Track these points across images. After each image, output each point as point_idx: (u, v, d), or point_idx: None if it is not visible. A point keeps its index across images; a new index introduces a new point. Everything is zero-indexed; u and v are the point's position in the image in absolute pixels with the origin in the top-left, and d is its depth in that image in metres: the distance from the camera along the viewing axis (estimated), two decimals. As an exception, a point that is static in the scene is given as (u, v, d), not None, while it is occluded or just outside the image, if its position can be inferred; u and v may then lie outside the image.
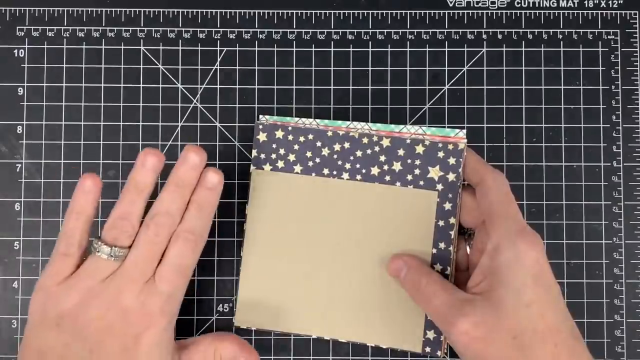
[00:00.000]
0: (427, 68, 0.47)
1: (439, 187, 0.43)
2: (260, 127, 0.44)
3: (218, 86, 0.46)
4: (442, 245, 0.42)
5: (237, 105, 0.46)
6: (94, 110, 0.46)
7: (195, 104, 0.46)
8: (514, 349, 0.34)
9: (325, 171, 0.44)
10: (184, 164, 0.38)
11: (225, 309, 0.45)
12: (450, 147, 0.43)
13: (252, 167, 0.44)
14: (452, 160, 0.42)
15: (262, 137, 0.44)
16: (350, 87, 0.46)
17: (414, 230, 0.43)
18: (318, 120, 0.44)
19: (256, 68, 0.46)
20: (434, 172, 0.43)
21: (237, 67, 0.46)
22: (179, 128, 0.46)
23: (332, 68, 0.46)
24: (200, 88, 0.46)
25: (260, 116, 0.45)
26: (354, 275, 0.43)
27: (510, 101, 0.46)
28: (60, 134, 0.46)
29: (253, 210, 0.44)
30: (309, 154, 0.44)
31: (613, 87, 0.46)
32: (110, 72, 0.46)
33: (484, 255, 0.37)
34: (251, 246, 0.44)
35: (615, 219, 0.46)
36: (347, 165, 0.43)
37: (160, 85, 0.46)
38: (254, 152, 0.44)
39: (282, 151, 0.44)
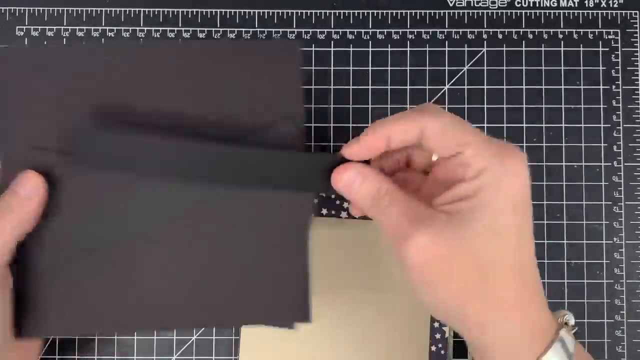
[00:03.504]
0: (427, 68, 0.47)
1: None
2: None
3: (218, 86, 0.46)
4: None
5: (237, 105, 0.46)
6: (93, 110, 0.46)
7: (195, 103, 0.46)
8: (476, 277, 0.29)
9: (324, 211, 0.44)
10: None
11: (225, 309, 0.45)
12: None
13: None
14: None
15: None
16: (350, 87, 0.46)
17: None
18: None
19: (256, 68, 0.46)
20: None
21: (237, 67, 0.46)
22: (178, 128, 0.46)
23: (332, 68, 0.46)
24: (200, 88, 0.46)
25: None
26: (358, 317, 0.43)
27: (510, 101, 0.46)
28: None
29: None
30: None
31: (613, 87, 0.46)
32: (110, 72, 0.46)
33: (460, 180, 0.30)
34: None
35: (616, 219, 0.46)
36: (345, 204, 0.44)
37: (160, 85, 0.46)
38: None
39: None
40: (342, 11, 0.47)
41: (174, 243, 0.35)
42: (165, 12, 0.47)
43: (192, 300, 0.35)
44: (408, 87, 0.46)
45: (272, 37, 0.47)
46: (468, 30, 0.47)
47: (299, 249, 0.35)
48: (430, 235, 0.28)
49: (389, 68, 0.46)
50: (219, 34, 0.47)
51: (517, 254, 0.29)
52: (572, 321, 0.32)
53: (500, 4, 0.47)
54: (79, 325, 0.35)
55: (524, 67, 0.47)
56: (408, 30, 0.47)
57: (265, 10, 0.47)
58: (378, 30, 0.47)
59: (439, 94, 0.46)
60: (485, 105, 0.46)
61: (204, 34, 0.47)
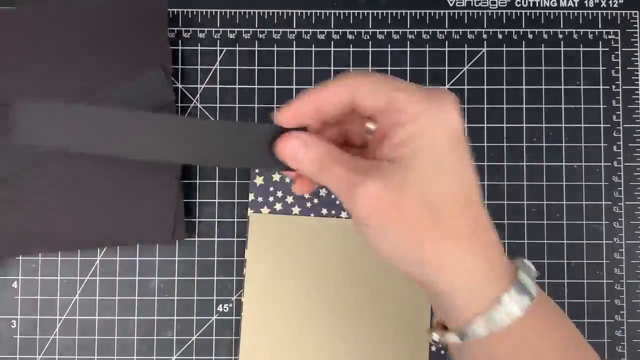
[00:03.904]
0: (427, 68, 0.47)
1: None
2: (257, 171, 0.44)
3: (218, 86, 0.46)
4: None
5: (237, 105, 0.46)
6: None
7: (195, 103, 0.46)
8: (426, 213, 0.29)
9: (324, 211, 0.44)
10: None
11: (225, 309, 0.45)
12: None
13: (249, 211, 0.44)
14: None
15: (258, 180, 0.45)
16: (350, 87, 0.46)
17: None
18: None
19: (256, 68, 0.46)
20: None
21: (237, 67, 0.46)
22: (179, 128, 0.46)
23: (332, 68, 0.46)
24: (200, 88, 0.46)
25: None
26: (358, 315, 0.43)
27: (510, 101, 0.46)
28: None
29: (252, 255, 0.44)
30: (306, 195, 0.44)
31: (613, 87, 0.46)
32: (110, 72, 0.46)
33: (396, 127, 0.30)
34: (252, 294, 0.44)
35: (616, 219, 0.46)
36: None
37: (160, 85, 0.46)
38: (251, 196, 0.45)
39: (279, 193, 0.44)
40: (342, 11, 0.47)
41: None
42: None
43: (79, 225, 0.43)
44: (408, 87, 0.46)
45: (272, 37, 0.47)
46: (468, 30, 0.47)
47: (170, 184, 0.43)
48: (377, 182, 0.29)
49: (389, 68, 0.46)
50: (218, 34, 0.47)
51: (464, 188, 0.30)
52: (533, 269, 0.31)
53: (500, 4, 0.47)
54: None
55: (524, 67, 0.47)
56: (408, 30, 0.47)
57: (265, 10, 0.47)
58: (378, 30, 0.47)
59: (439, 94, 0.46)
60: (485, 105, 0.46)
61: (203, 34, 0.47)
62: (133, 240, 0.44)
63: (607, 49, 0.47)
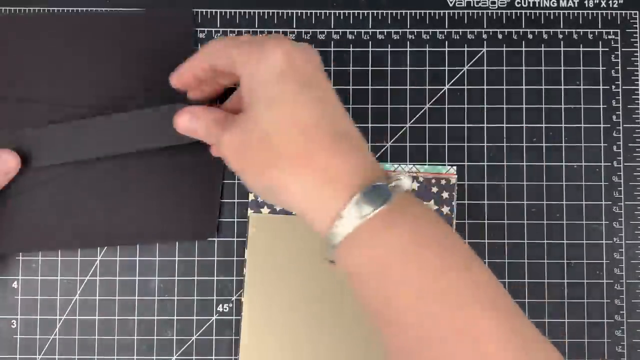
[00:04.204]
0: (427, 68, 0.47)
1: None
2: None
3: (218, 86, 0.46)
4: None
5: (237, 105, 0.46)
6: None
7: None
8: (267, 145, 0.32)
9: None
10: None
11: (225, 309, 0.45)
12: (443, 182, 0.45)
13: (249, 211, 0.44)
14: (445, 195, 0.44)
15: None
16: (350, 87, 0.46)
17: None
18: None
19: (256, 68, 0.46)
20: (429, 206, 0.44)
21: (237, 67, 0.46)
22: (179, 128, 0.46)
23: (332, 68, 0.46)
24: (200, 88, 0.46)
25: None
26: (358, 315, 0.43)
27: (510, 101, 0.46)
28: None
29: (252, 255, 0.44)
30: None
31: (613, 87, 0.46)
32: (110, 72, 0.46)
33: (237, 79, 0.36)
34: (252, 294, 0.44)
35: (616, 219, 0.46)
36: None
37: (160, 85, 0.46)
38: (251, 196, 0.45)
39: None
40: (342, 11, 0.47)
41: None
42: (166, 12, 0.47)
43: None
44: (408, 87, 0.46)
45: (272, 37, 0.47)
46: (468, 30, 0.47)
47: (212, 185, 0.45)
48: (231, 131, 0.34)
49: (389, 68, 0.46)
50: (219, 34, 0.47)
51: (295, 114, 0.32)
52: (406, 184, 0.31)
53: (500, 4, 0.47)
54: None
55: (523, 67, 0.47)
56: (408, 30, 0.47)
57: (265, 10, 0.47)
58: (378, 30, 0.47)
59: (439, 94, 0.46)
60: (485, 105, 0.46)
61: (204, 34, 0.47)
62: (174, 238, 0.44)
63: (607, 49, 0.47)
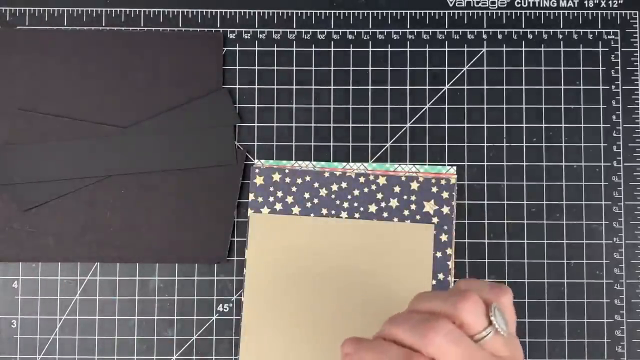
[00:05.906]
0: (427, 68, 0.47)
1: (435, 220, 0.44)
2: (257, 171, 0.45)
3: (218, 86, 0.46)
4: (440, 276, 0.44)
5: (237, 105, 0.46)
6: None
7: (195, 103, 0.46)
8: None
9: (324, 211, 0.44)
10: None
11: (225, 309, 0.45)
12: (443, 182, 0.45)
13: (249, 211, 0.44)
14: (445, 195, 0.44)
15: (258, 180, 0.45)
16: (351, 87, 0.46)
17: (414, 264, 0.44)
18: (314, 163, 0.45)
19: (256, 68, 0.46)
20: (429, 206, 0.44)
21: (237, 67, 0.46)
22: (179, 128, 0.46)
23: (332, 68, 0.46)
24: (200, 88, 0.46)
25: (256, 160, 0.45)
26: (358, 315, 0.43)
27: (510, 101, 0.46)
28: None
29: (252, 255, 0.44)
30: (307, 195, 0.44)
31: (613, 87, 0.46)
32: (110, 72, 0.47)
33: None
34: (252, 294, 0.44)
35: (616, 219, 0.46)
36: (345, 205, 0.44)
37: (160, 85, 0.46)
38: (251, 196, 0.45)
39: (279, 194, 0.45)
40: (342, 11, 0.47)
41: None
42: (166, 13, 0.47)
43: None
44: (408, 87, 0.46)
45: (272, 37, 0.47)
46: (468, 30, 0.47)
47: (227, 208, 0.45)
48: None
49: (389, 68, 0.47)
50: (218, 34, 0.47)
51: None
52: None
53: (500, 4, 0.47)
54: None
55: (523, 67, 0.47)
56: (408, 30, 0.47)
57: (265, 11, 0.47)
58: (378, 30, 0.47)
59: (439, 94, 0.46)
60: (485, 105, 0.46)
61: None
62: (190, 260, 0.45)
63: (607, 49, 0.47)
